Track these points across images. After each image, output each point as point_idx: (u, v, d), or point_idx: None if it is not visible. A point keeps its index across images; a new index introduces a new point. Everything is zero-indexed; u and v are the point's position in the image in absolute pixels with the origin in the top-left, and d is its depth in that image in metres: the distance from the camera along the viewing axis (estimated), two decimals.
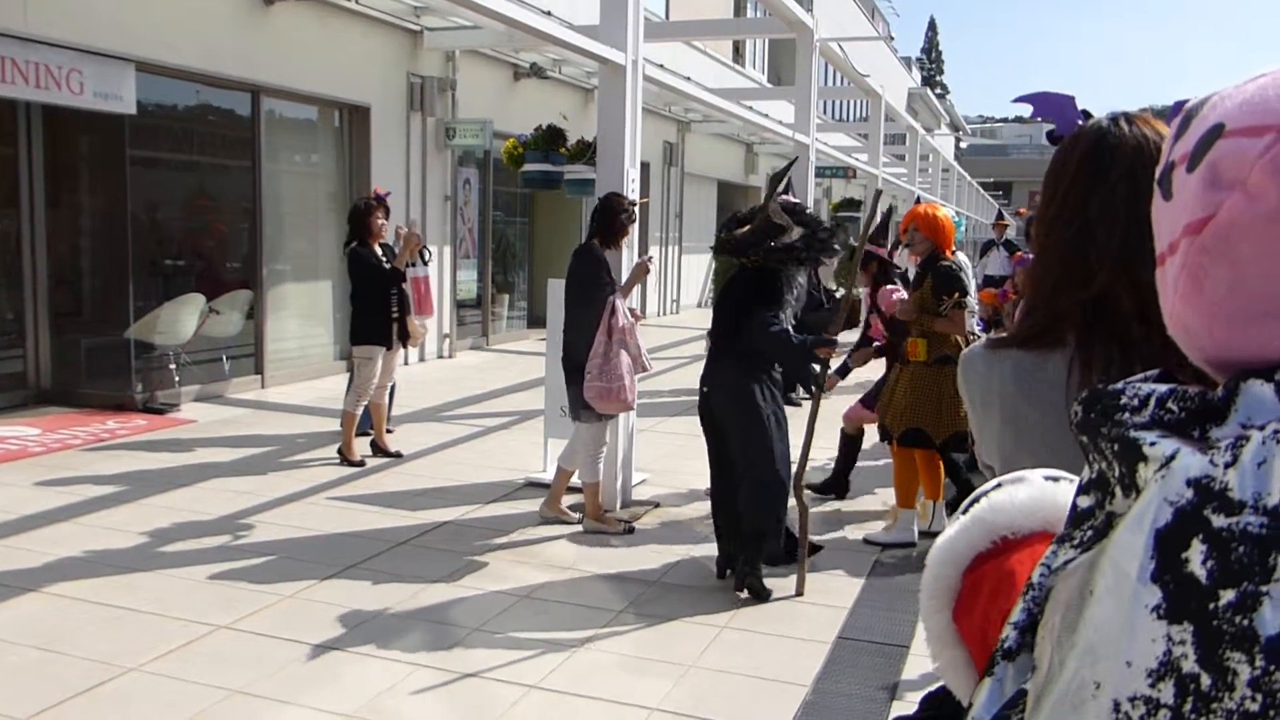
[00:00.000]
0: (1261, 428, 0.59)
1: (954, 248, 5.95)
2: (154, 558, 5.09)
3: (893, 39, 40.53)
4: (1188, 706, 0.54)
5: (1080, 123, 1.41)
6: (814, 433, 4.84)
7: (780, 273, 4.81)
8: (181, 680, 3.79)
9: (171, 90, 9.17)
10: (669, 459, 7.43)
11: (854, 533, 5.84)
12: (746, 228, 4.84)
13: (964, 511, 0.80)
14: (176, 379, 8.77)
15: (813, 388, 4.93)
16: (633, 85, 6.03)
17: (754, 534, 4.77)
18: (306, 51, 9.93)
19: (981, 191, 46.41)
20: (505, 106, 12.87)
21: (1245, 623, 0.53)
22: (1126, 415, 0.65)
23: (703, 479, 6.73)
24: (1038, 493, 0.79)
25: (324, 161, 11.09)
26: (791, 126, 10.82)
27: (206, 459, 7.09)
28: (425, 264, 7.35)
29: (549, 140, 6.24)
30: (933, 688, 1.58)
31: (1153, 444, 0.61)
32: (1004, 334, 1.42)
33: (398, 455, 7.30)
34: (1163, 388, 0.65)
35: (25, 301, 8.49)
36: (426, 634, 4.30)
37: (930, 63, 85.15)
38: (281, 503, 6.11)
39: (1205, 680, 0.54)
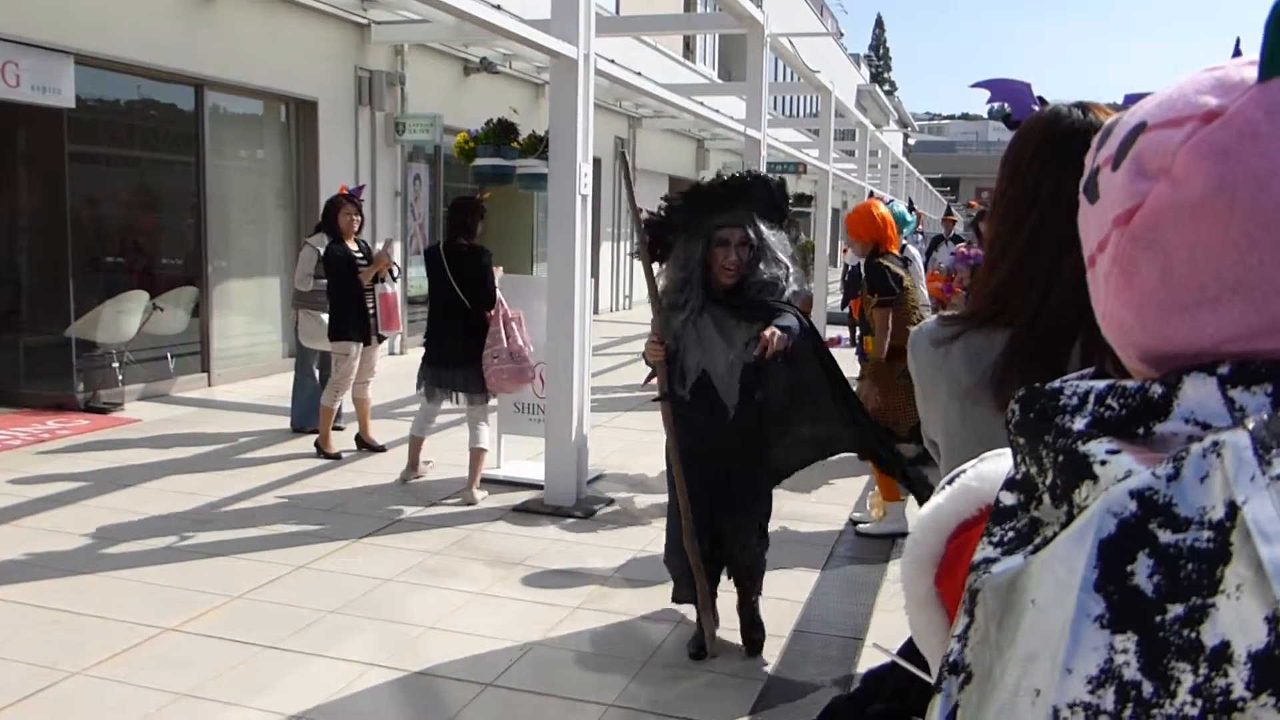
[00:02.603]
0: (1204, 424, 0.60)
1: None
2: (98, 560, 4.98)
3: (841, 35, 40.80)
4: (1127, 713, 0.55)
5: (1036, 109, 1.41)
6: (679, 474, 3.91)
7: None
8: (127, 684, 3.70)
9: (112, 84, 8.97)
10: (623, 454, 7.41)
11: (802, 526, 5.86)
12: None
13: (949, 482, 0.80)
14: (120, 378, 8.59)
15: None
16: (585, 79, 5.99)
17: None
18: (250, 44, 9.76)
19: (930, 187, 46.92)
20: (456, 101, 12.76)
21: (1192, 635, 0.54)
22: (1067, 418, 0.65)
23: (657, 474, 6.74)
24: None
25: (270, 156, 10.92)
26: (743, 122, 10.83)
27: (152, 459, 6.95)
28: (394, 280, 7.34)
29: (500, 135, 6.19)
30: (874, 665, 1.58)
31: (1104, 462, 0.61)
32: (955, 313, 1.42)
33: (382, 449, 7.31)
34: (1101, 384, 0.66)
35: None
36: (379, 633, 4.24)
37: (878, 60, 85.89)
38: (229, 502, 6.00)
39: (1147, 688, 0.54)
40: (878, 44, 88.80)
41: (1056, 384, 0.67)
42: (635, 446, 7.65)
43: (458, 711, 3.61)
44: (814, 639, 4.35)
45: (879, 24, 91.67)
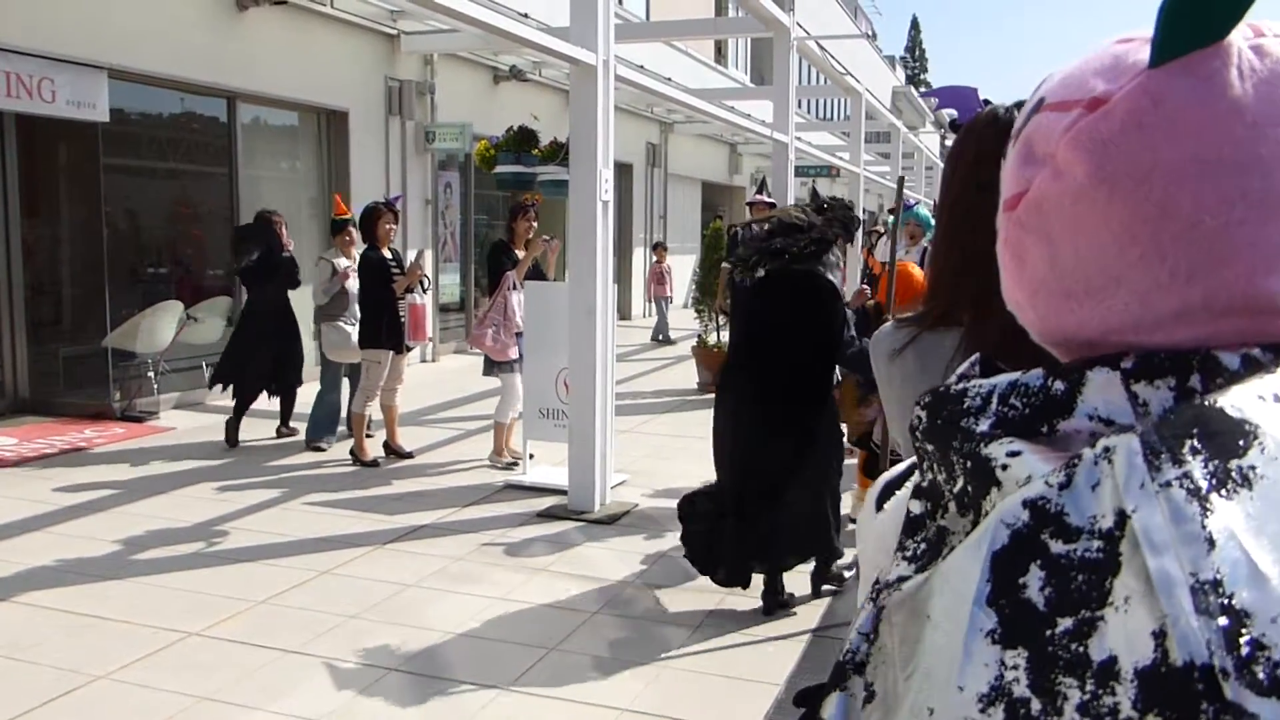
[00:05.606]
0: (1108, 421, 0.58)
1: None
2: (127, 566, 5.06)
3: (874, 38, 40.54)
4: None
5: (979, 111, 1.42)
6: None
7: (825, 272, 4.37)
8: (149, 688, 3.76)
9: (145, 97, 9.13)
10: (649, 459, 7.42)
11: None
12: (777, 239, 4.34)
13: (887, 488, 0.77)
14: (155, 387, 8.73)
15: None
16: (604, 86, 6.02)
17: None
18: (282, 57, 9.89)
19: None
20: (486, 109, 12.85)
21: (1080, 649, 0.51)
22: (972, 420, 0.62)
23: (682, 480, 6.74)
24: None
25: (303, 167, 11.06)
26: (771, 126, 10.81)
27: (184, 467, 7.06)
28: (425, 291, 7.41)
29: (520, 142, 6.23)
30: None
31: (1005, 466, 0.58)
32: (910, 314, 1.43)
33: (410, 455, 7.40)
34: (1003, 381, 0.63)
35: (2, 311, 8.44)
36: (400, 637, 4.28)
37: (914, 61, 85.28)
38: (258, 509, 6.08)
39: (1035, 705, 0.52)
40: (913, 45, 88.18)
41: (960, 385, 0.64)
42: (661, 452, 7.66)
43: (473, 714, 3.64)
44: (831, 643, 4.32)
45: (914, 25, 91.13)
